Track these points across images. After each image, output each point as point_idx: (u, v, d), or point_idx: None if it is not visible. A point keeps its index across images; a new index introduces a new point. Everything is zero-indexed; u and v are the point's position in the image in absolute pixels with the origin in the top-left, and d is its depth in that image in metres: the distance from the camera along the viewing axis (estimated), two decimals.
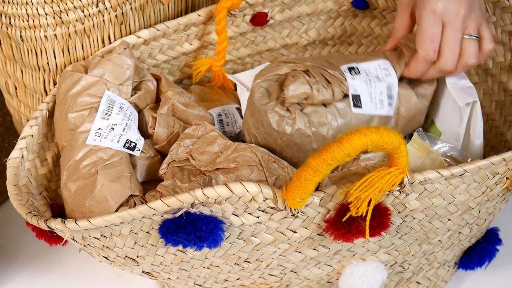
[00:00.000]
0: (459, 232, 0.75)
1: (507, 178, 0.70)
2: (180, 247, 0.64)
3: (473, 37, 0.76)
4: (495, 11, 0.85)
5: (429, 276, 0.80)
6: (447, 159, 0.76)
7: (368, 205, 0.62)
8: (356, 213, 0.62)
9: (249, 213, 0.63)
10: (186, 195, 0.60)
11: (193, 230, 0.62)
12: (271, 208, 0.63)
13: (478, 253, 0.80)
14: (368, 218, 0.62)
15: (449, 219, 0.71)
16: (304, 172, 0.58)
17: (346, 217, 0.63)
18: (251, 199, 0.62)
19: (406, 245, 0.72)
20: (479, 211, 0.73)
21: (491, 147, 0.86)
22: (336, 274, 0.73)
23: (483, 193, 0.70)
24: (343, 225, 0.63)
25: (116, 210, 0.69)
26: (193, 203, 0.61)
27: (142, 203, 0.70)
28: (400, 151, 0.59)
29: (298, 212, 0.63)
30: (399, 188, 0.64)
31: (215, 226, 0.62)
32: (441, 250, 0.76)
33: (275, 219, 0.64)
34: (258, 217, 0.64)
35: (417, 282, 0.79)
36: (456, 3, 0.75)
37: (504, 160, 0.67)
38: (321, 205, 0.64)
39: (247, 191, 0.61)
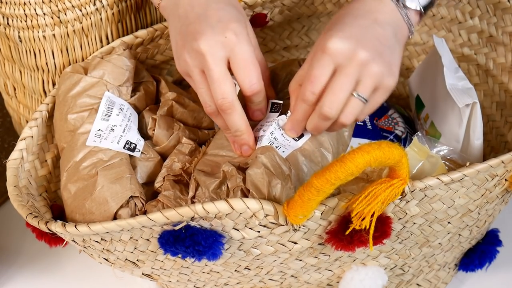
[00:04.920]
0: (459, 235, 0.75)
1: (506, 179, 0.70)
2: (180, 256, 0.64)
3: (360, 98, 0.65)
4: (496, 12, 0.85)
5: (429, 278, 0.80)
6: (446, 162, 0.76)
7: (372, 216, 0.61)
8: (359, 226, 0.62)
9: (250, 228, 0.63)
10: (186, 209, 0.60)
11: (192, 244, 0.61)
12: (272, 223, 0.63)
13: (479, 254, 0.80)
14: (371, 231, 0.62)
15: (449, 222, 0.71)
16: (307, 192, 0.58)
17: (349, 230, 0.62)
18: (252, 215, 0.62)
19: (406, 249, 0.72)
20: (479, 213, 0.73)
21: (492, 148, 0.86)
22: (337, 278, 0.72)
23: (482, 195, 0.70)
24: (345, 236, 0.63)
25: (117, 211, 0.69)
26: (193, 217, 0.61)
27: (142, 204, 0.70)
28: (401, 163, 0.58)
29: (299, 227, 0.63)
30: (401, 197, 0.64)
31: (215, 241, 0.62)
32: (441, 252, 0.76)
33: (276, 233, 0.64)
34: (259, 232, 0.63)
35: (417, 284, 0.79)
36: (353, 44, 0.64)
37: (502, 162, 0.67)
38: (322, 218, 0.63)
39: (248, 207, 0.61)
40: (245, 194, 0.66)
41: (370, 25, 0.66)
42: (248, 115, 0.71)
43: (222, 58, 0.66)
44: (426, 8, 0.70)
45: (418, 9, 0.69)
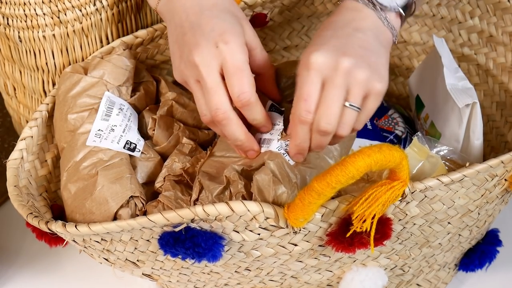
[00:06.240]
0: (459, 235, 0.75)
1: (505, 179, 0.70)
2: (180, 257, 0.64)
3: (353, 107, 0.64)
4: (496, 12, 0.85)
5: (429, 278, 0.80)
6: (446, 163, 0.76)
7: (372, 218, 0.61)
8: (360, 228, 0.61)
9: (250, 230, 0.63)
10: (186, 210, 0.60)
11: (192, 246, 0.61)
12: (273, 226, 0.63)
13: (479, 254, 0.80)
14: (372, 233, 0.62)
15: (448, 223, 0.71)
16: (307, 195, 0.58)
17: (350, 232, 0.62)
18: (252, 218, 0.62)
19: (407, 249, 0.72)
20: (479, 214, 0.73)
21: (492, 148, 0.86)
22: (337, 279, 0.72)
23: (482, 195, 0.70)
24: (345, 238, 0.63)
25: (117, 211, 0.69)
26: (193, 219, 0.61)
27: (143, 204, 0.70)
28: (402, 166, 0.58)
29: (300, 229, 0.63)
30: (401, 198, 0.63)
31: (215, 243, 0.62)
32: (441, 252, 0.76)
33: (277, 235, 0.64)
34: (259, 234, 0.63)
35: (418, 285, 0.79)
36: (334, 55, 0.64)
37: (502, 162, 0.67)
38: (323, 220, 0.63)
39: (248, 210, 0.61)
40: (247, 200, 0.66)
41: (350, 34, 0.66)
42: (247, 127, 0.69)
43: (215, 68, 0.65)
44: (405, 9, 0.69)
45: (397, 10, 0.68)
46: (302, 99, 0.64)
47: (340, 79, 0.63)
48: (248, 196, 0.66)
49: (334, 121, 0.64)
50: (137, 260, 0.68)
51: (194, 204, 0.69)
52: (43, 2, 0.77)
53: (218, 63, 0.65)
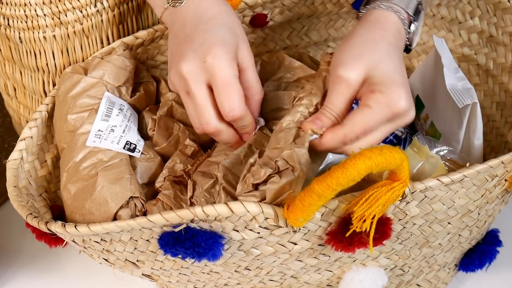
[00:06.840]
0: (459, 235, 0.75)
1: (505, 180, 0.70)
2: (180, 256, 0.64)
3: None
4: (496, 12, 0.85)
5: (429, 279, 0.80)
6: (446, 163, 0.76)
7: (372, 218, 0.61)
8: (360, 228, 0.62)
9: (250, 229, 0.63)
10: (185, 211, 0.60)
11: (191, 246, 0.61)
12: (273, 225, 0.63)
13: (479, 254, 0.80)
14: (372, 233, 0.62)
15: (448, 223, 0.71)
16: (308, 197, 0.58)
17: (350, 232, 0.62)
18: (252, 218, 0.62)
19: (406, 250, 0.72)
20: (479, 214, 0.73)
21: (492, 148, 0.86)
22: (337, 279, 0.72)
23: (482, 196, 0.70)
24: (345, 237, 0.63)
25: (117, 212, 0.69)
26: (192, 219, 0.61)
27: (142, 205, 0.70)
28: (402, 167, 0.58)
29: (299, 228, 0.63)
30: (401, 198, 0.63)
31: (215, 242, 0.62)
32: (441, 252, 0.76)
33: (276, 234, 0.64)
34: (258, 233, 0.63)
35: (417, 285, 0.79)
36: (411, 103, 0.66)
37: (502, 162, 0.67)
38: (322, 220, 0.63)
39: (248, 211, 0.60)
40: (228, 192, 0.67)
41: (403, 68, 0.67)
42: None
43: (202, 81, 0.66)
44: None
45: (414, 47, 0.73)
46: (363, 129, 0.64)
47: (400, 123, 0.65)
48: (228, 185, 0.67)
49: (365, 147, 0.65)
50: (137, 260, 0.68)
51: (190, 201, 0.69)
52: (43, 3, 0.77)
53: (206, 78, 0.66)
